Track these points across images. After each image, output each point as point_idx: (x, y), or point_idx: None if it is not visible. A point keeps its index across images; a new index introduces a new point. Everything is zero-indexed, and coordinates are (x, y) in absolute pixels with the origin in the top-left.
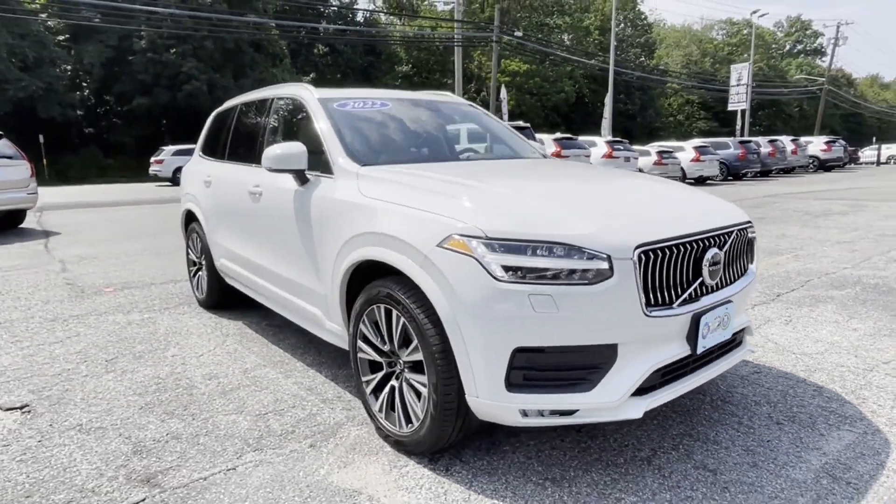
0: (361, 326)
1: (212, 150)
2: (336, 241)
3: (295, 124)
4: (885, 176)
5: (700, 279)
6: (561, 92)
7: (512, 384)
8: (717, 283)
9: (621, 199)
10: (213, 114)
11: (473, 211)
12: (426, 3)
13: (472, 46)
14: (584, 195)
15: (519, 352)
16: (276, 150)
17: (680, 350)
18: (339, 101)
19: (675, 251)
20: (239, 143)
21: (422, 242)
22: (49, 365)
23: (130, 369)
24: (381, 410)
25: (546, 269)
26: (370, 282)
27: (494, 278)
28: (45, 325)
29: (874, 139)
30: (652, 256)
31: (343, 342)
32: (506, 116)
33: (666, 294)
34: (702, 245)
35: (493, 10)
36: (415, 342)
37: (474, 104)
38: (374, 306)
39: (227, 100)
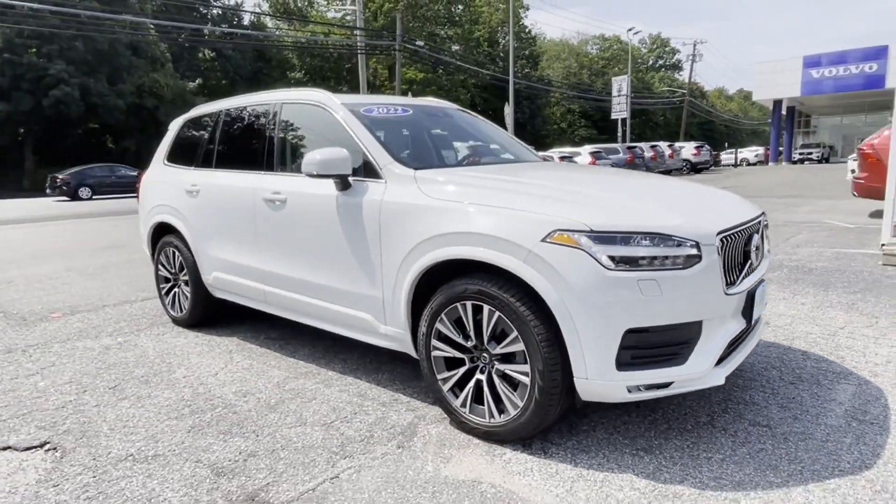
0: (438, 325)
1: (187, 158)
2: (403, 243)
3: (316, 130)
4: (748, 175)
5: (749, 261)
6: (456, 101)
7: (621, 363)
8: (756, 265)
9: (675, 194)
10: (180, 121)
11: (572, 207)
12: (315, 10)
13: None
14: (646, 191)
15: (629, 333)
16: (317, 156)
17: (740, 323)
18: (365, 107)
19: (738, 237)
20: (234, 150)
21: (524, 239)
22: (42, 399)
23: (145, 394)
24: (464, 405)
25: (647, 257)
26: (445, 281)
27: (605, 268)
28: (4, 358)
29: (726, 144)
30: (726, 242)
31: (400, 345)
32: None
33: (730, 275)
34: (749, 232)
35: (387, 19)
36: (514, 334)
37: (466, 110)
38: (458, 304)
39: (104, 107)
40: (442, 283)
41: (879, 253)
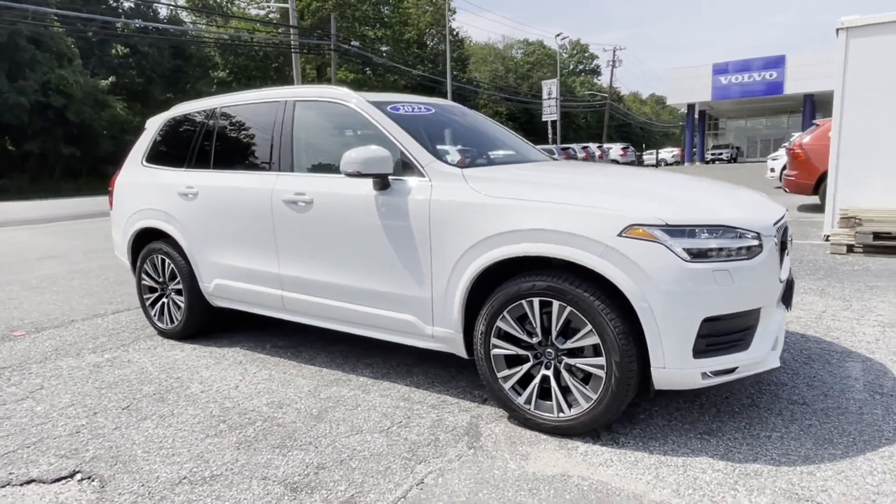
0: (500, 323)
1: (174, 158)
2: (458, 242)
3: (338, 128)
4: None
5: (786, 251)
6: None
7: (697, 351)
8: (788, 255)
9: (716, 190)
10: (161, 120)
11: (642, 202)
12: (237, 6)
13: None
14: (691, 186)
15: (705, 322)
16: (360, 155)
17: (783, 309)
18: (391, 105)
19: (781, 228)
20: (238, 150)
21: (600, 234)
22: (48, 425)
23: (167, 413)
24: (528, 402)
25: (716, 248)
26: (496, 280)
27: (683, 260)
28: None
29: (643, 145)
30: (778, 233)
31: (448, 345)
32: None
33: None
34: (785, 223)
35: (314, 17)
36: (587, 328)
37: (471, 110)
38: (524, 301)
39: (4, 106)
40: (493, 282)
41: (825, 243)
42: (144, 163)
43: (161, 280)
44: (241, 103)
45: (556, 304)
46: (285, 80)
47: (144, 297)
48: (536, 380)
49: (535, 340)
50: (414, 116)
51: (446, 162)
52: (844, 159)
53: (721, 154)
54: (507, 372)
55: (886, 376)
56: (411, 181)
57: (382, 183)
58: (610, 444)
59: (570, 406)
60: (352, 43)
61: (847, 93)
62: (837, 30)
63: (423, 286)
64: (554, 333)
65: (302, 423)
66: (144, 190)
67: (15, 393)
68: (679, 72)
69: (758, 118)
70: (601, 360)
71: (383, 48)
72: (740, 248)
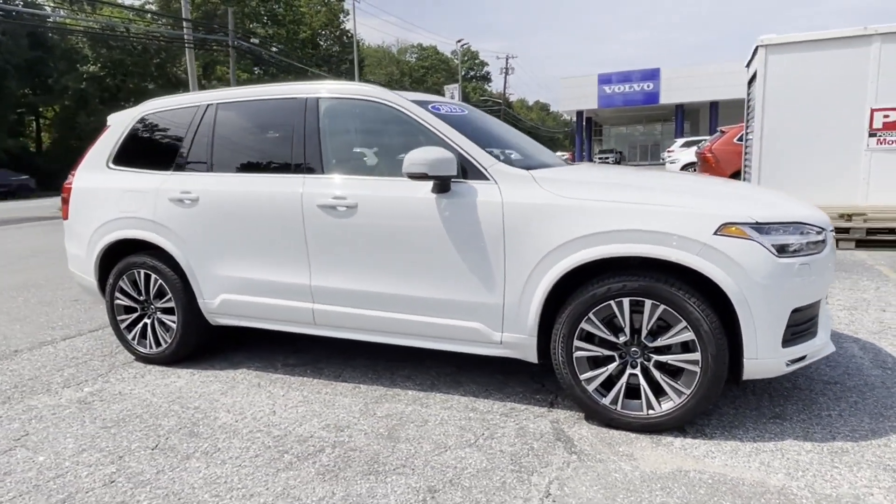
0: (584, 325)
1: (155, 160)
2: (537, 245)
3: (376, 128)
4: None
5: None
6: None
7: (785, 340)
8: None
9: (766, 190)
10: (132, 116)
11: (733, 203)
12: None
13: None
14: (743, 187)
15: (793, 312)
16: (425, 156)
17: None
18: (431, 105)
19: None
20: (248, 151)
21: (697, 233)
22: (69, 477)
23: (211, 448)
24: (614, 402)
25: (796, 244)
26: (572, 284)
27: (774, 255)
28: None
29: None
30: None
31: (516, 351)
32: None
33: None
34: None
35: (199, 12)
36: (681, 324)
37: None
38: (612, 302)
39: None
40: (567, 285)
41: None
42: (111, 165)
43: (142, 298)
44: (247, 99)
45: (648, 303)
46: (167, 78)
47: (119, 318)
48: (623, 379)
49: (621, 340)
50: (457, 117)
51: (511, 164)
52: (766, 161)
53: (607, 158)
54: (590, 374)
55: (882, 353)
56: (474, 184)
57: (443, 186)
58: (700, 436)
59: (660, 403)
60: (252, 40)
61: (767, 101)
62: (757, 46)
63: (494, 292)
64: (644, 332)
65: (379, 446)
66: (117, 196)
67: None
68: (569, 80)
69: (636, 125)
70: (696, 356)
71: (273, 48)
72: (812, 243)
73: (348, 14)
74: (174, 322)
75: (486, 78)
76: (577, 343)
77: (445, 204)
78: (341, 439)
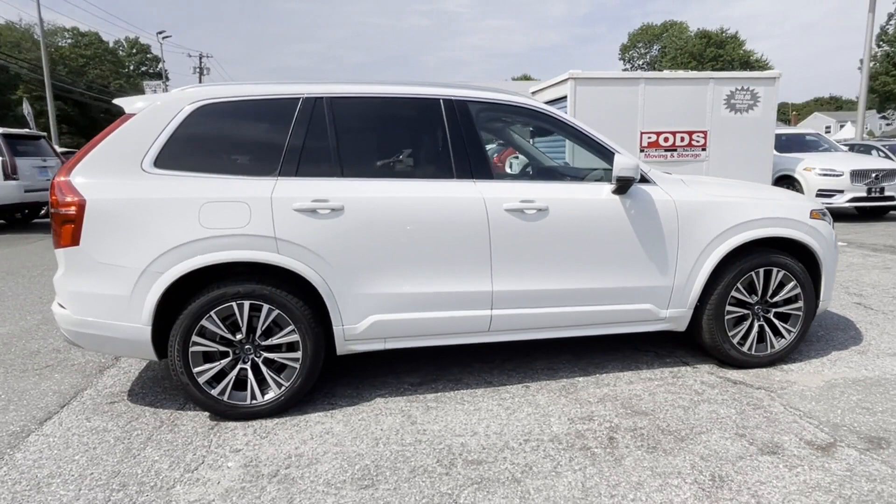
0: (734, 293)
1: (253, 162)
2: (704, 234)
3: (529, 131)
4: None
5: None
6: None
7: (829, 288)
8: None
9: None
10: (183, 106)
11: (806, 196)
12: None
13: None
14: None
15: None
16: (630, 162)
17: None
18: (558, 108)
19: None
20: (384, 153)
21: (804, 217)
22: None
23: (522, 469)
24: (750, 348)
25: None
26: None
27: (832, 229)
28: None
29: None
30: None
31: (675, 324)
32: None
33: None
34: None
35: None
36: (792, 282)
37: None
38: (752, 273)
39: None
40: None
41: None
42: (154, 168)
43: (238, 338)
44: (369, 95)
45: (774, 271)
46: None
47: (196, 370)
48: (756, 328)
49: (753, 300)
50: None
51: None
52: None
53: None
54: (736, 330)
55: None
56: (643, 186)
57: (625, 188)
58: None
59: (772, 345)
60: None
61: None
62: (568, 79)
63: (667, 276)
64: (770, 292)
65: (634, 419)
66: (192, 209)
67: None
68: None
69: None
70: (800, 304)
71: None
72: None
73: None
74: (294, 360)
75: (160, 75)
76: (728, 308)
77: (630, 203)
78: (611, 424)
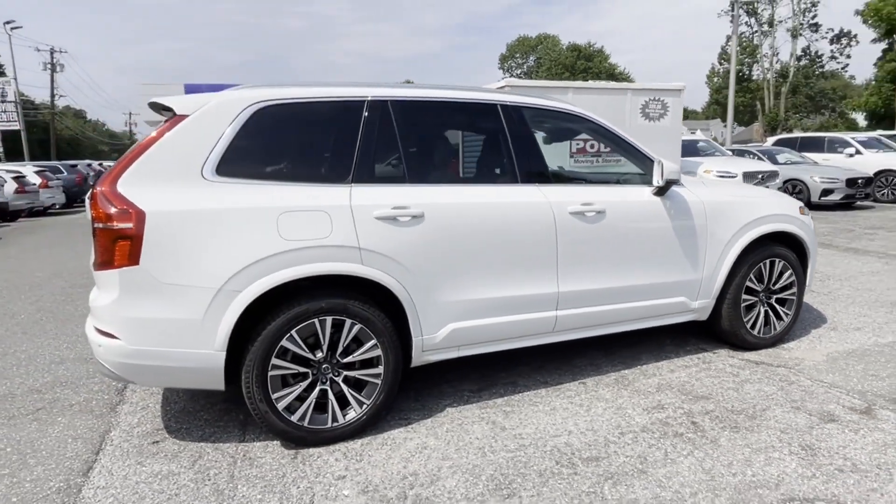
0: (748, 283)
1: (323, 168)
2: (726, 230)
3: (577, 137)
4: None
5: None
6: None
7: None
8: None
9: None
10: (244, 108)
11: (784, 195)
12: None
13: None
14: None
15: None
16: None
17: None
18: None
19: None
20: (450, 159)
21: (795, 212)
22: None
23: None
24: (759, 332)
25: None
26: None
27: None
28: None
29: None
30: None
31: (700, 314)
32: None
33: None
34: None
35: None
36: (789, 271)
37: None
38: (766, 261)
39: None
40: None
41: None
42: (216, 175)
43: (318, 358)
44: (429, 99)
45: (777, 261)
46: None
47: (275, 396)
48: (762, 313)
49: (759, 288)
50: None
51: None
52: None
53: None
54: (749, 316)
55: None
56: (675, 187)
57: (664, 190)
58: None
59: (775, 328)
60: None
61: None
62: (505, 86)
63: (697, 270)
64: (774, 279)
65: (700, 404)
66: (269, 219)
67: None
68: (151, 87)
69: None
70: (794, 289)
71: None
72: None
73: None
74: (375, 376)
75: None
76: (744, 296)
77: (669, 204)
78: (684, 410)
